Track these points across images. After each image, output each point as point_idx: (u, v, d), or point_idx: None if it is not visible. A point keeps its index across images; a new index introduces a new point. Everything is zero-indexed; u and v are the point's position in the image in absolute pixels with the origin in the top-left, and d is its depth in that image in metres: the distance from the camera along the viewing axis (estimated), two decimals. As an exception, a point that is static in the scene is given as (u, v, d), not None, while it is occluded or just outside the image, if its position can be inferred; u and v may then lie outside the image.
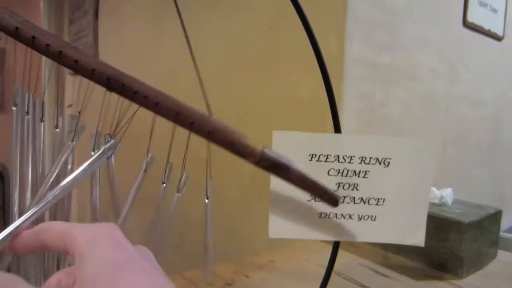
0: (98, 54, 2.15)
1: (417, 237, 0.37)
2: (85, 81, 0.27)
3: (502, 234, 1.47)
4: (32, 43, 0.25)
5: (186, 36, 0.32)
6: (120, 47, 1.82)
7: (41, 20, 2.73)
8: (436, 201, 0.70)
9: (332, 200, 0.31)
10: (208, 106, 0.29)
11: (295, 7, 0.35)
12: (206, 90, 0.32)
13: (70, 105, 0.32)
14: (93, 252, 0.19)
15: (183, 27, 0.32)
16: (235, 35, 1.07)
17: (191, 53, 0.31)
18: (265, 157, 0.28)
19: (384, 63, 0.95)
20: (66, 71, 2.69)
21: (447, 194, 0.70)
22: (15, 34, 0.25)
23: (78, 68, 0.26)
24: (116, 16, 1.93)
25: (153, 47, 1.57)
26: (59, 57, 0.25)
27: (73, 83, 2.25)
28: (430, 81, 1.11)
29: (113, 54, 1.89)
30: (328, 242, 0.76)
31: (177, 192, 0.33)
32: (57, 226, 0.22)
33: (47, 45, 0.26)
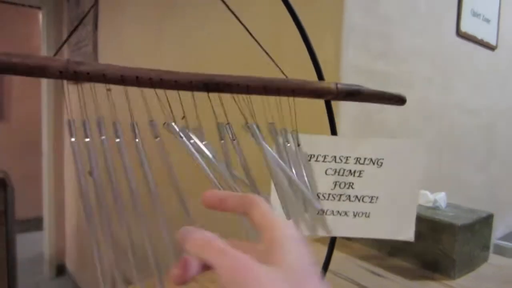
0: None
1: (408, 233, 0.38)
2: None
3: (497, 241, 1.49)
4: (137, 83, 0.31)
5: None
6: (119, 55, 1.84)
7: (40, 31, 2.75)
8: (430, 204, 0.72)
9: (400, 99, 0.40)
10: (282, 71, 0.37)
11: (293, 18, 0.38)
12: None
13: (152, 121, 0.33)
14: (292, 246, 0.22)
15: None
16: (235, 39, 1.10)
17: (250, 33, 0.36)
18: (340, 90, 0.36)
19: (379, 70, 0.98)
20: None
21: (440, 198, 0.72)
22: (122, 81, 0.30)
23: (178, 86, 0.31)
24: (115, 26, 1.95)
25: (153, 55, 1.60)
26: (160, 84, 0.31)
27: (76, 92, 2.27)
28: (424, 89, 1.13)
29: (112, 62, 1.91)
30: (325, 243, 0.77)
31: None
32: (265, 208, 0.25)
33: (150, 78, 0.31)
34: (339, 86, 0.36)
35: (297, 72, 0.99)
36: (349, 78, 0.91)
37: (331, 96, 0.36)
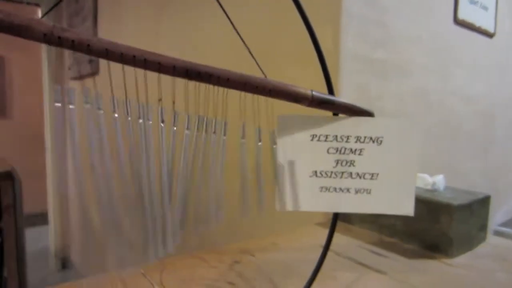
0: (98, 60, 2.18)
1: (407, 208, 0.40)
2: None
3: (496, 227, 1.51)
4: (121, 59, 0.31)
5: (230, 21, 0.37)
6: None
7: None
8: (429, 187, 0.74)
9: (369, 114, 0.41)
10: (262, 71, 0.38)
11: (296, 5, 0.39)
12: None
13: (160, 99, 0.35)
14: None
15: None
16: (233, 36, 1.11)
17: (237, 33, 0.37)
18: (315, 98, 0.38)
19: (377, 58, 0.99)
20: (67, 76, 2.71)
21: (439, 180, 0.74)
22: (106, 55, 0.30)
23: (161, 69, 0.32)
24: (115, 21, 1.96)
25: (154, 49, 1.61)
26: (144, 64, 0.31)
27: (79, 87, 2.28)
28: (422, 76, 1.15)
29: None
30: (325, 226, 0.79)
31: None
32: None
33: (134, 56, 0.31)
34: (314, 94, 0.38)
35: (297, 64, 1.00)
36: (348, 66, 0.92)
37: (306, 102, 0.38)
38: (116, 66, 0.34)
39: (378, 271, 0.59)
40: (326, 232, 0.71)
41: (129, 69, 0.33)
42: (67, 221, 2.86)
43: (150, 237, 0.36)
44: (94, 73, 2.17)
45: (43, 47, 2.94)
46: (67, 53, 2.62)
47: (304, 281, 0.48)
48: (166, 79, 0.33)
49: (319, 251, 0.49)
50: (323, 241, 0.49)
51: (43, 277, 2.68)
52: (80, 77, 2.29)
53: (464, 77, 1.33)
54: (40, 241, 2.99)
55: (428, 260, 0.64)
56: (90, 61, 2.18)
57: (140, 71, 0.33)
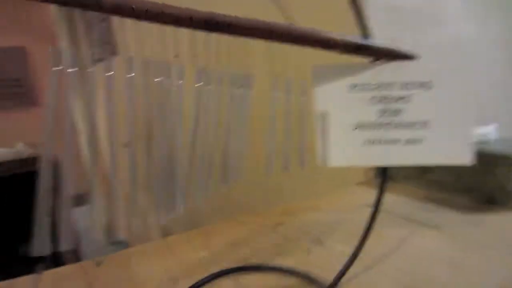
0: (116, 41, 2.19)
1: (465, 157, 0.37)
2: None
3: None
4: (133, 14, 0.29)
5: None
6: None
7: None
8: (479, 138, 0.69)
9: (411, 57, 0.37)
10: (288, 17, 0.36)
11: None
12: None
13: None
14: None
15: None
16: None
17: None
18: (348, 44, 0.35)
19: (409, 8, 0.92)
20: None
21: (490, 131, 0.69)
22: (119, 11, 0.28)
23: (178, 21, 0.30)
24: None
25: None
26: (157, 17, 0.29)
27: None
28: (459, 24, 1.07)
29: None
30: (367, 185, 0.77)
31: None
32: None
33: (147, 10, 0.29)
34: (347, 39, 0.34)
35: (323, 11, 0.94)
36: (377, 17, 0.86)
37: (339, 48, 0.34)
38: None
39: (430, 226, 0.56)
40: (368, 191, 0.68)
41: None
42: (111, 198, 2.99)
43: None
44: (113, 54, 2.19)
45: (60, 35, 2.99)
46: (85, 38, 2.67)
47: (352, 240, 0.46)
48: (178, 34, 0.31)
49: (363, 210, 0.47)
50: (365, 200, 0.47)
51: (92, 251, 2.85)
52: (98, 60, 2.33)
53: (504, 24, 1.22)
54: (85, 220, 3.16)
55: (484, 213, 0.60)
56: (108, 43, 2.21)
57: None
